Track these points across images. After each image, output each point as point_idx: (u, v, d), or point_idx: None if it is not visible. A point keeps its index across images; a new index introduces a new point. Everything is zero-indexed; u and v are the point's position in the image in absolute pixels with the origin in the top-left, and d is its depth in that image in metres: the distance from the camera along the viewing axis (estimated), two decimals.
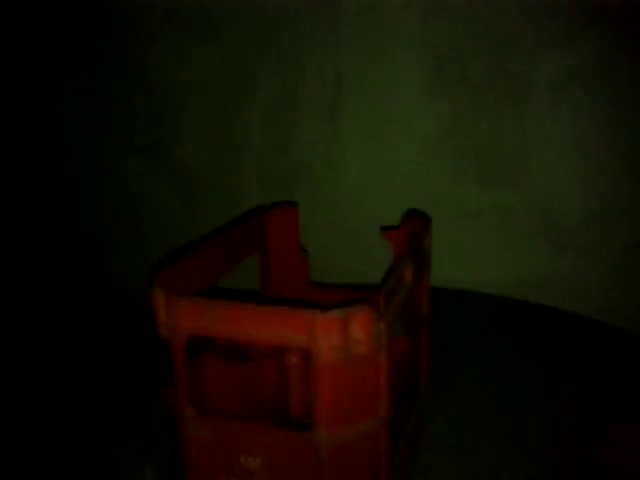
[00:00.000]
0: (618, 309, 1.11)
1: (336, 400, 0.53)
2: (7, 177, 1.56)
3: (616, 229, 1.12)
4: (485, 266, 1.22)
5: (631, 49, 1.04)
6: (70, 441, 0.81)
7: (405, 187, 1.22)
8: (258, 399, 0.70)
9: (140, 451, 0.78)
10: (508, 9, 1.09)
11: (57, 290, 1.57)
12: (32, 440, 0.81)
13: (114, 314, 1.41)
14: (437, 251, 1.21)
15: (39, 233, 1.57)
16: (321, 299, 0.86)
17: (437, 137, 1.20)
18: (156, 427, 0.81)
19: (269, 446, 0.57)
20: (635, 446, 0.55)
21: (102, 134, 1.46)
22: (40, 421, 0.86)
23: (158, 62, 1.37)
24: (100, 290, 1.54)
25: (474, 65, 1.14)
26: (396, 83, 1.21)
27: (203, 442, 0.59)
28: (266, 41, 1.26)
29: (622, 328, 1.04)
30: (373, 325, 0.52)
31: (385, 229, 0.79)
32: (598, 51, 1.06)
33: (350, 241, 1.29)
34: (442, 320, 1.10)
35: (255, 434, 0.58)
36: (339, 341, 0.51)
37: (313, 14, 1.22)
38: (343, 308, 0.51)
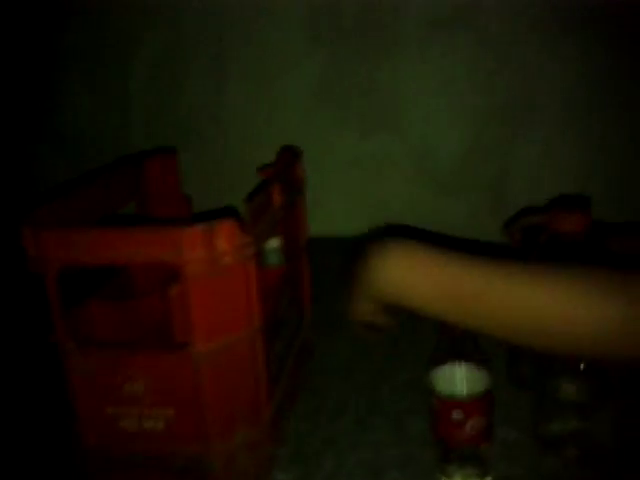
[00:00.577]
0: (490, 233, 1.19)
1: (208, 311, 0.55)
2: None
3: (486, 163, 1.20)
4: (370, 211, 1.27)
5: None
6: None
7: (290, 138, 1.24)
8: (143, 332, 0.72)
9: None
10: None
11: None
12: None
13: None
14: (324, 200, 1.26)
15: None
16: None
17: (319, 87, 1.23)
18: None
19: (150, 370, 0.59)
20: None
21: None
22: None
23: (33, 29, 1.32)
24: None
25: (347, 15, 1.18)
26: (277, 37, 1.22)
27: (86, 374, 0.59)
28: None
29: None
30: (238, 237, 0.55)
31: (261, 168, 0.81)
32: None
33: (238, 192, 1.30)
34: (332, 264, 1.15)
35: (136, 361, 0.59)
36: (205, 253, 0.53)
37: None
38: (208, 222, 0.54)
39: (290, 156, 0.77)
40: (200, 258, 0.53)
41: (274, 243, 0.80)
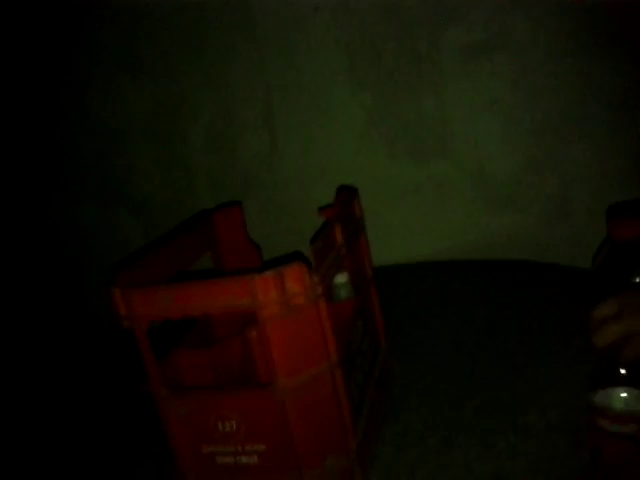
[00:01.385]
0: (552, 249, 1.19)
1: (287, 349, 0.59)
2: None
3: (544, 175, 1.20)
4: (431, 236, 1.29)
5: (529, 11, 1.13)
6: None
7: (346, 175, 1.29)
8: (228, 374, 0.77)
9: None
10: None
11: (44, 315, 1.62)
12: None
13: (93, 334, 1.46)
14: (387, 230, 1.29)
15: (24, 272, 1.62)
16: None
17: (367, 124, 1.28)
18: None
19: (240, 409, 0.63)
20: None
21: (57, 181, 1.52)
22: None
23: (96, 105, 1.43)
24: (81, 318, 1.59)
25: (386, 53, 1.23)
26: (321, 84, 1.28)
27: (181, 417, 0.64)
28: (192, 65, 1.34)
29: (560, 264, 1.13)
30: (306, 278, 0.59)
31: (321, 209, 0.85)
32: (493, 19, 1.15)
33: (304, 234, 1.36)
34: (404, 291, 1.18)
35: (226, 401, 0.64)
36: (278, 296, 0.58)
37: (231, 33, 1.30)
38: (277, 267, 0.58)
39: (347, 195, 0.81)
40: (273, 301, 0.57)
41: (343, 278, 0.84)
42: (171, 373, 0.71)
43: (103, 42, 1.39)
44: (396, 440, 0.75)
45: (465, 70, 1.18)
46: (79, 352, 1.22)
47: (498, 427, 0.74)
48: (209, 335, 0.83)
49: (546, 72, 1.15)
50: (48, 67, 1.44)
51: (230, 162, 1.39)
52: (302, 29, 1.25)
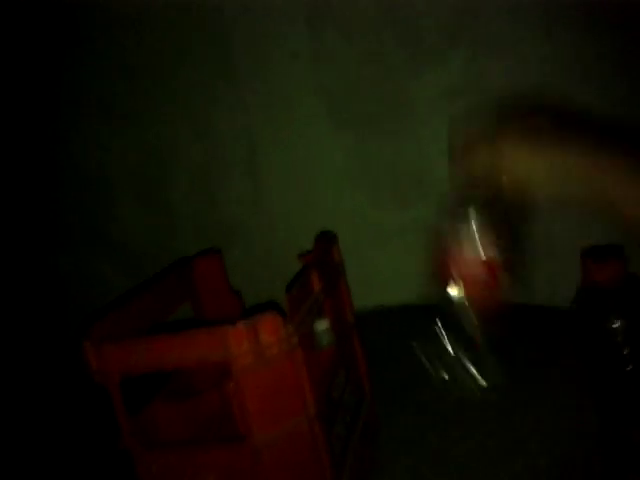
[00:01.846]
0: (540, 289, 1.19)
1: (262, 402, 0.58)
2: None
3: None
4: (418, 278, 1.28)
5: (503, 52, 1.15)
6: None
7: (329, 219, 1.28)
8: (206, 426, 0.75)
9: None
10: (383, 42, 1.19)
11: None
12: None
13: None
14: (369, 272, 1.28)
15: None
16: None
17: (349, 169, 1.28)
18: None
19: (216, 464, 0.61)
20: None
21: (41, 230, 1.51)
22: None
23: (79, 153, 1.43)
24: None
25: (366, 98, 1.24)
26: (302, 130, 1.29)
27: (156, 475, 0.62)
28: (175, 111, 1.34)
29: (544, 305, 1.12)
30: (280, 328, 0.57)
31: (301, 255, 0.85)
32: (470, 65, 1.16)
33: (290, 278, 1.34)
34: (389, 335, 1.16)
35: (202, 457, 0.62)
36: (251, 347, 0.56)
37: (213, 79, 1.31)
38: (251, 317, 0.57)
39: (326, 241, 0.81)
40: (247, 353, 0.56)
41: (323, 325, 0.82)
42: (148, 427, 0.69)
43: (84, 89, 1.39)
44: None
45: (443, 114, 1.19)
46: (61, 403, 1.19)
47: (487, 475, 0.72)
48: (187, 384, 0.81)
49: None
50: (30, 114, 1.44)
51: (214, 207, 1.39)
52: (282, 75, 1.27)
